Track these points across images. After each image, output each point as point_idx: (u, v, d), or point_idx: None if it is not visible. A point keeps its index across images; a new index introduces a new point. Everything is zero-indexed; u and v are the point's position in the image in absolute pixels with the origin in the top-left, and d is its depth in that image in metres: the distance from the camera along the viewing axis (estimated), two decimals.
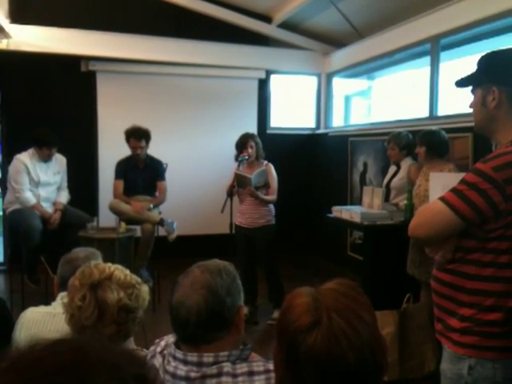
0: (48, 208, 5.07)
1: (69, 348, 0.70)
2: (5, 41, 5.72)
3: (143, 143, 5.17)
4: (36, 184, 5.00)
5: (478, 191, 1.65)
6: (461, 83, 1.90)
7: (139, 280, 1.80)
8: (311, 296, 1.07)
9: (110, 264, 1.79)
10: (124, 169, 5.29)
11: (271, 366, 1.38)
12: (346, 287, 1.11)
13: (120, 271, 1.75)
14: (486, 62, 1.81)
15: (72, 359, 0.67)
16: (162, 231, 5.27)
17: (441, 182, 3.05)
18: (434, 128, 4.04)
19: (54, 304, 2.26)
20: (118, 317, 1.66)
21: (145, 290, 1.79)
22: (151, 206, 5.24)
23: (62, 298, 2.22)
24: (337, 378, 1.00)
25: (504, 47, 1.91)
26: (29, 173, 4.93)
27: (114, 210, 5.19)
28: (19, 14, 5.87)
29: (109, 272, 1.72)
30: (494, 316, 1.67)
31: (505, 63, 1.79)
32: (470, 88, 1.87)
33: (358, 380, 1.01)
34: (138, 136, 5.15)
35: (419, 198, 3.85)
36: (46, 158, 5.02)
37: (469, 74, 1.86)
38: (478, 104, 1.81)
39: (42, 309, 2.26)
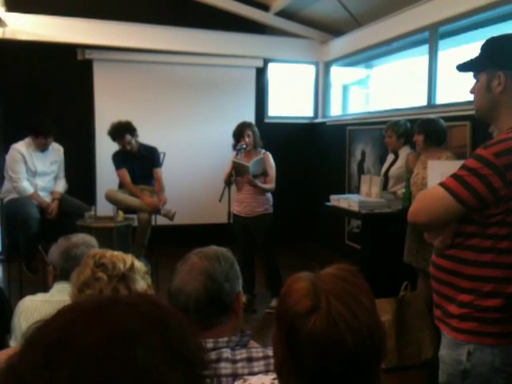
0: (45, 197, 5.07)
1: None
2: (0, 29, 5.68)
3: (128, 138, 5.17)
4: (33, 173, 5.00)
5: (478, 177, 1.64)
6: (463, 68, 1.88)
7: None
8: (310, 280, 1.07)
9: (116, 252, 1.79)
10: (122, 158, 5.29)
11: (270, 352, 1.38)
12: (345, 272, 1.11)
13: (135, 260, 1.76)
14: (492, 47, 1.79)
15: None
16: (159, 220, 5.27)
17: (439, 170, 3.04)
18: (432, 116, 4.03)
19: (51, 291, 2.26)
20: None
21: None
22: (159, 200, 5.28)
23: (60, 289, 2.23)
24: (336, 362, 1.01)
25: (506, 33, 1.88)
26: (25, 162, 4.93)
27: (110, 199, 5.19)
28: (15, 2, 5.81)
29: (130, 262, 1.72)
30: (493, 302, 1.67)
31: (511, 48, 1.78)
32: (470, 74, 1.85)
33: (358, 364, 1.02)
34: (119, 135, 5.15)
35: (417, 186, 3.85)
36: (42, 147, 5.01)
37: (472, 58, 1.84)
38: (482, 89, 1.79)
39: (39, 297, 2.26)
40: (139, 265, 1.75)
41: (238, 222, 4.76)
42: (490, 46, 1.80)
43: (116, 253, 1.79)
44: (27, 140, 4.99)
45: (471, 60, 1.84)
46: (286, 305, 1.07)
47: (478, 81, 1.82)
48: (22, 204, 4.81)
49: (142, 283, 1.68)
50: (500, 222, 1.66)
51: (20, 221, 4.77)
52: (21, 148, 4.94)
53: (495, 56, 1.77)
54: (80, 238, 2.44)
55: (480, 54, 1.82)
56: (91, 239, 2.47)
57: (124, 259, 1.74)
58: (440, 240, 1.78)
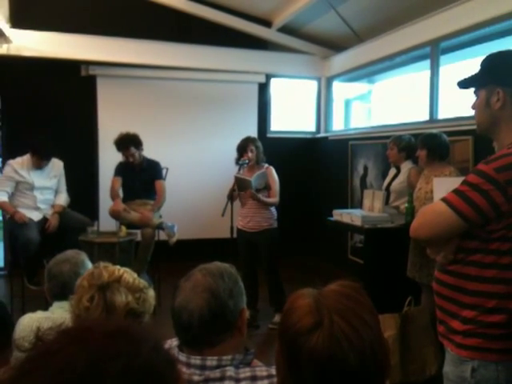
0: (47, 210, 5.09)
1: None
2: (5, 46, 5.73)
3: (132, 150, 5.19)
4: (31, 187, 5.03)
5: (480, 192, 1.64)
6: (463, 84, 1.89)
7: (146, 284, 1.79)
8: (313, 297, 1.07)
9: (118, 266, 1.78)
10: (123, 170, 5.30)
11: (274, 371, 1.37)
12: (348, 289, 1.11)
13: (128, 274, 1.75)
14: (491, 63, 1.81)
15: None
16: (162, 235, 5.27)
17: (444, 187, 3.04)
18: (434, 131, 4.04)
19: (51, 309, 2.26)
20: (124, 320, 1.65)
21: (151, 294, 1.78)
22: (158, 214, 5.27)
23: (59, 306, 2.23)
24: (338, 380, 1.00)
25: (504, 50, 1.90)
26: (19, 178, 4.97)
27: (113, 214, 5.19)
28: (20, 19, 5.88)
29: (118, 275, 1.71)
30: (497, 318, 1.67)
31: (510, 64, 1.79)
32: (472, 89, 1.87)
33: (360, 382, 1.01)
34: (124, 146, 5.18)
35: (419, 200, 3.84)
36: (37, 166, 5.04)
37: (472, 74, 1.85)
38: (482, 105, 1.80)
39: (39, 314, 2.26)
40: (131, 279, 1.73)
41: (243, 237, 4.76)
42: (489, 63, 1.81)
43: (116, 266, 1.79)
44: (26, 156, 5.04)
45: (471, 76, 1.85)
46: (289, 322, 1.06)
47: (478, 97, 1.83)
48: (22, 227, 4.81)
49: (122, 297, 1.66)
50: (502, 238, 1.66)
51: (20, 245, 4.80)
52: (15, 164, 5.01)
53: (494, 72, 1.78)
54: (64, 255, 2.39)
55: (479, 70, 1.83)
56: (76, 256, 2.40)
57: (114, 271, 1.73)
58: (443, 255, 1.77)
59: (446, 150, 3.88)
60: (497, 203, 1.63)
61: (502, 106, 1.75)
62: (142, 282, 1.77)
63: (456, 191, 1.72)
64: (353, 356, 0.99)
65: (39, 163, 5.03)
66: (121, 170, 5.31)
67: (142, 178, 5.31)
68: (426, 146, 3.84)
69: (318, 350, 1.00)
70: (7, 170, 5.01)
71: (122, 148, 5.20)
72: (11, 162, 5.04)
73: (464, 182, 1.71)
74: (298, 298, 1.10)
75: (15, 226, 4.89)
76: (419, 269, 3.79)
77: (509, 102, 1.74)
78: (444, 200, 1.73)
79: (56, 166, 5.23)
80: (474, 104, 1.85)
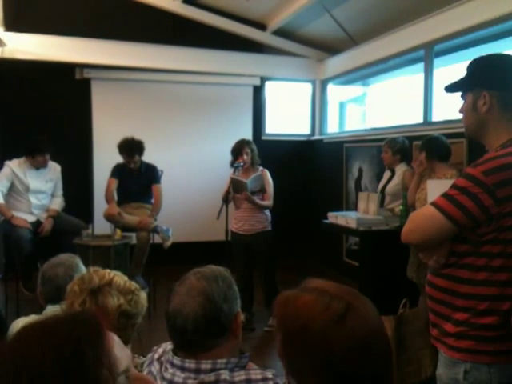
0: (42, 215, 5.08)
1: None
2: None
3: (136, 158, 5.19)
4: (26, 190, 5.03)
5: (468, 196, 1.65)
6: (450, 88, 1.91)
7: (138, 286, 1.80)
8: (315, 291, 1.07)
9: (108, 270, 1.79)
10: (121, 172, 5.29)
11: (269, 375, 1.37)
12: (345, 287, 1.12)
13: (119, 277, 1.75)
14: (477, 67, 1.82)
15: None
16: (157, 238, 5.27)
17: (438, 190, 3.05)
18: (435, 134, 4.06)
19: (44, 313, 2.25)
20: (118, 323, 1.66)
21: (143, 296, 1.79)
22: (155, 218, 5.26)
23: (53, 310, 2.22)
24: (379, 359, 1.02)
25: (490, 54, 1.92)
26: (15, 179, 4.98)
27: (108, 217, 5.18)
28: (14, 22, 5.87)
29: (108, 278, 1.72)
30: (489, 320, 1.67)
31: (495, 68, 1.80)
32: (460, 93, 1.88)
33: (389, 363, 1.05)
34: (130, 153, 5.17)
35: (421, 201, 3.85)
36: (40, 165, 5.03)
37: (458, 79, 1.87)
38: (469, 109, 1.82)
39: (33, 318, 2.25)
40: (122, 281, 1.74)
41: (237, 240, 4.75)
42: (475, 67, 1.83)
43: (106, 270, 1.79)
44: (22, 159, 5.03)
45: (458, 81, 1.87)
46: (303, 321, 1.04)
47: (465, 101, 1.84)
48: (14, 226, 4.81)
49: (114, 300, 1.67)
50: (493, 240, 1.67)
51: (12, 242, 4.81)
52: (12, 165, 5.02)
53: (480, 76, 1.79)
54: (58, 258, 2.40)
55: (466, 74, 1.85)
56: (70, 259, 2.41)
57: (104, 274, 1.74)
58: (435, 259, 1.78)
59: (445, 152, 3.89)
60: (486, 206, 1.63)
61: (489, 110, 1.76)
62: (133, 284, 1.78)
63: (445, 195, 1.72)
64: (381, 336, 1.02)
65: (43, 160, 5.03)
66: (118, 171, 5.31)
67: (139, 181, 5.31)
68: (424, 148, 3.88)
69: (356, 329, 1.00)
70: (5, 169, 5.01)
71: (126, 154, 5.18)
72: (8, 162, 5.06)
73: (453, 186, 1.72)
74: (297, 297, 1.10)
75: (6, 227, 4.88)
76: (417, 269, 3.80)
77: (495, 105, 1.76)
78: (434, 204, 1.74)
79: (53, 169, 5.23)
80: (462, 108, 1.86)
